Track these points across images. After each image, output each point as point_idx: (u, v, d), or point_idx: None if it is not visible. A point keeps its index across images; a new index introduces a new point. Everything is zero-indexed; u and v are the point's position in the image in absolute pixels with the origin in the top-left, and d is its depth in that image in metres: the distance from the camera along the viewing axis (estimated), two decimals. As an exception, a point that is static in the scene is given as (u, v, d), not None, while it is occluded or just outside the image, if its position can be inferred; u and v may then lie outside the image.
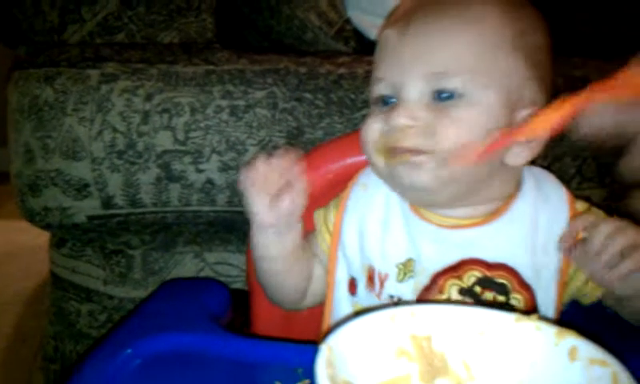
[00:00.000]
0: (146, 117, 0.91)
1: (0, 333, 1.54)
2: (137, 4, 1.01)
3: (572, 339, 0.49)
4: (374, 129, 0.68)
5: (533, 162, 0.74)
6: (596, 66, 1.09)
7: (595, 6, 1.67)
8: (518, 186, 0.71)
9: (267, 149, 0.92)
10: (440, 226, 0.69)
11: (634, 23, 1.67)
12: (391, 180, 0.69)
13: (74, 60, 0.94)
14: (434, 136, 0.64)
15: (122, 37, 1.02)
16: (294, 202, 0.70)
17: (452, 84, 0.64)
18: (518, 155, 0.67)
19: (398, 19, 0.69)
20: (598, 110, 0.62)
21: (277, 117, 0.93)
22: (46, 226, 0.98)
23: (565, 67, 1.07)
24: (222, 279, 0.97)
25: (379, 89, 0.69)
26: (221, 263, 1.00)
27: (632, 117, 0.63)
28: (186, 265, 1.00)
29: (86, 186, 0.91)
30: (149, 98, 0.91)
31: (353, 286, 0.73)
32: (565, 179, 1.03)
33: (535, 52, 0.68)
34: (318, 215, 0.78)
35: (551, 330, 0.51)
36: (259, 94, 0.93)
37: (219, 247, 1.01)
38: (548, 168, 1.02)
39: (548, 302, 0.67)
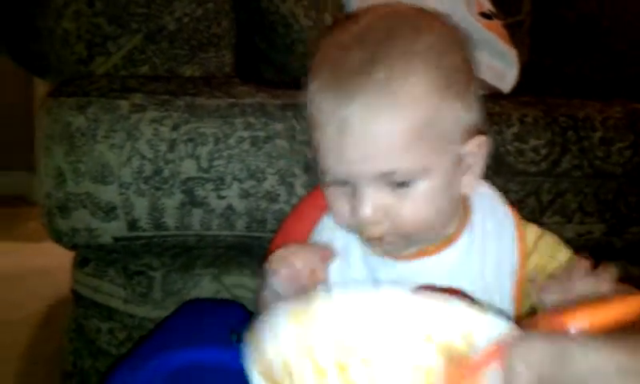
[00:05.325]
0: (172, 145, 0.95)
1: (13, 355, 1.55)
2: (160, 39, 1.06)
3: None
4: (341, 214, 0.70)
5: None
6: (598, 109, 1.14)
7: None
8: (466, 209, 0.74)
9: (285, 177, 0.97)
10: (397, 258, 0.72)
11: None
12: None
13: (103, 90, 0.98)
14: (399, 219, 0.67)
15: (145, 69, 1.06)
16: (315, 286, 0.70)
17: (402, 177, 0.66)
18: (469, 185, 0.71)
19: (331, 86, 0.66)
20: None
21: (295, 148, 0.98)
22: (73, 247, 1.02)
23: (566, 108, 1.12)
24: (238, 301, 1.00)
25: (329, 177, 0.69)
26: (237, 286, 1.03)
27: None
28: (204, 287, 1.02)
29: (114, 208, 0.95)
30: (175, 127, 0.95)
31: None
32: (567, 215, 1.08)
33: (464, 85, 0.68)
34: None
35: None
36: (279, 126, 0.98)
37: (236, 271, 1.04)
38: (550, 204, 1.07)
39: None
